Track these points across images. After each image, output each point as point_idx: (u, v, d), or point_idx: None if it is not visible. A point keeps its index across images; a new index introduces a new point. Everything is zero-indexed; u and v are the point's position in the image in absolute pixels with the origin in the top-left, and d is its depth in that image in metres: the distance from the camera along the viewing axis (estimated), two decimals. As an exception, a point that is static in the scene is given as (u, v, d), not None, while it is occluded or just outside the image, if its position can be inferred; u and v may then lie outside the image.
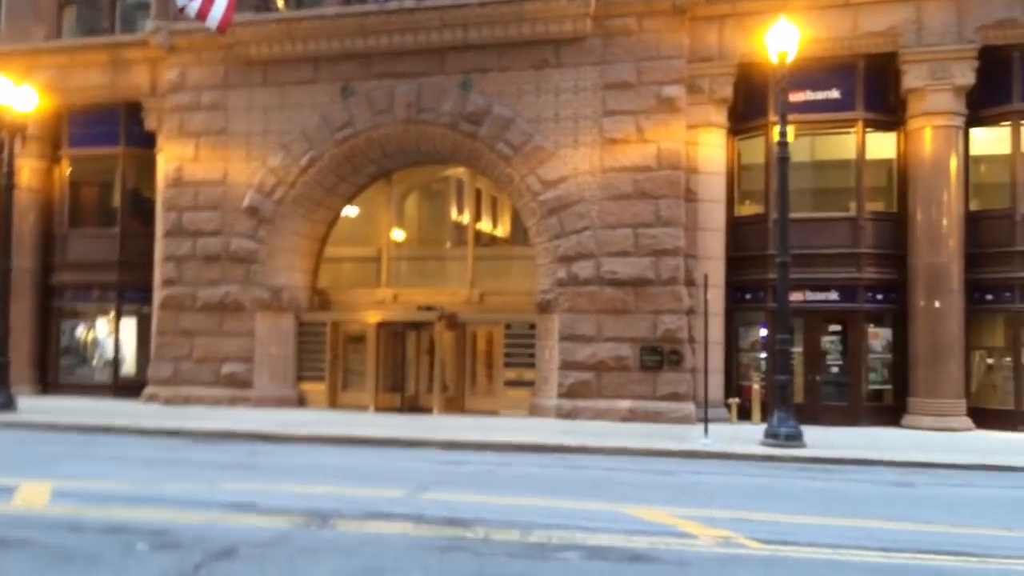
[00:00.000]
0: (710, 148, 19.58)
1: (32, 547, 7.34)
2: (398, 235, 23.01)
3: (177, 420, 17.85)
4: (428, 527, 8.36)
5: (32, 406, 20.23)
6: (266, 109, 21.45)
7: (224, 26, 19.28)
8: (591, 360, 18.96)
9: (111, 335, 23.81)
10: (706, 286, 17.06)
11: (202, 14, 18.85)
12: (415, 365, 21.64)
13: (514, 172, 19.80)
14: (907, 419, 18.39)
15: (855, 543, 7.97)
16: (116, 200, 24.04)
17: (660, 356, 18.63)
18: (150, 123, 22.83)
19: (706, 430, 15.83)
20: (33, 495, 9.79)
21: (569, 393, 19.05)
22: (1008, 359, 18.48)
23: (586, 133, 19.39)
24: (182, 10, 19.16)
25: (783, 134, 15.64)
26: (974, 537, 8.45)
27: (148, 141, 23.05)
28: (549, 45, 19.72)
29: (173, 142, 22.01)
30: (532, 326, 20.30)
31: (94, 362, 24.15)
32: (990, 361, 19.07)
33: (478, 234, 22.37)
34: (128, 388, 23.00)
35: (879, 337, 19.39)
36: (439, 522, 8.58)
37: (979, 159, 19.09)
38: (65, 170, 24.28)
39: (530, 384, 20.32)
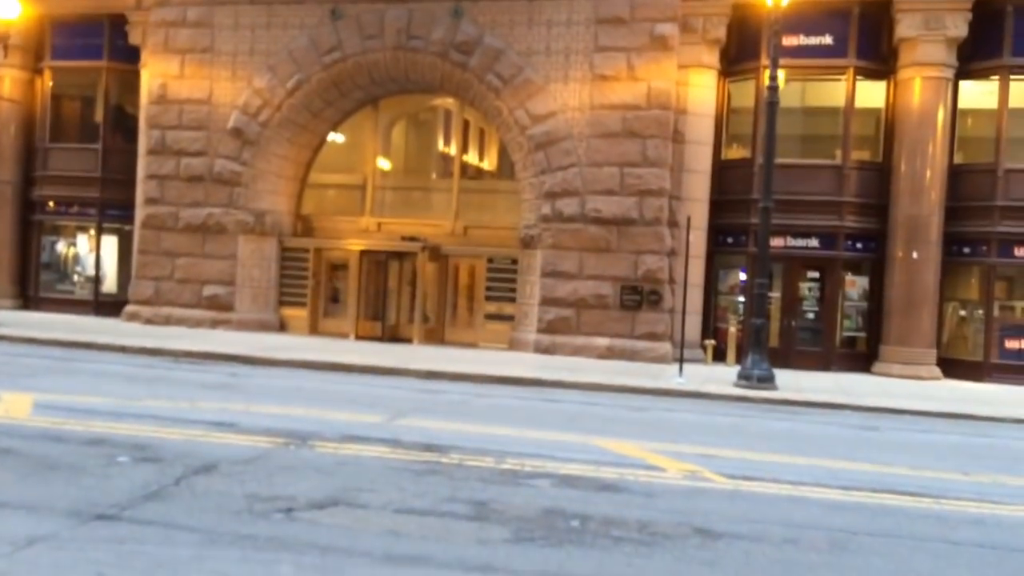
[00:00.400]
0: (700, 89, 19.50)
1: (15, 455, 7.49)
2: (384, 164, 22.89)
3: (158, 339, 17.94)
4: (404, 451, 8.57)
5: (13, 319, 20.25)
6: (253, 28, 21.10)
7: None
8: (572, 297, 19.14)
9: (92, 252, 23.72)
10: (689, 228, 17.17)
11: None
12: (396, 295, 21.74)
13: (503, 105, 19.68)
14: (878, 366, 18.77)
15: (817, 481, 8.25)
16: (99, 115, 23.72)
17: (640, 296, 18.82)
18: (135, 37, 22.42)
19: (680, 370, 16.11)
20: (15, 405, 9.91)
21: (548, 329, 19.27)
22: (980, 311, 18.83)
23: (577, 68, 19.24)
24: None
25: (773, 78, 15.61)
26: (932, 480, 8.76)
27: (132, 56, 22.66)
28: (544, -24, 19.43)
29: (158, 58, 21.65)
30: (514, 261, 20.41)
31: (75, 278, 24.10)
32: (963, 313, 19.42)
33: (464, 166, 22.29)
34: (109, 305, 23.03)
35: (855, 285, 19.67)
36: (415, 447, 8.79)
37: (966, 112, 19.14)
38: (47, 82, 23.87)
39: (510, 318, 20.51)
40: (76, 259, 24.13)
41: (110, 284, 23.86)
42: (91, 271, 23.71)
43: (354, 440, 9.00)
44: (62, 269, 24.31)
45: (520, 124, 19.55)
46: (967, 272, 19.27)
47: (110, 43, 23.10)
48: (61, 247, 24.29)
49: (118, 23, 22.69)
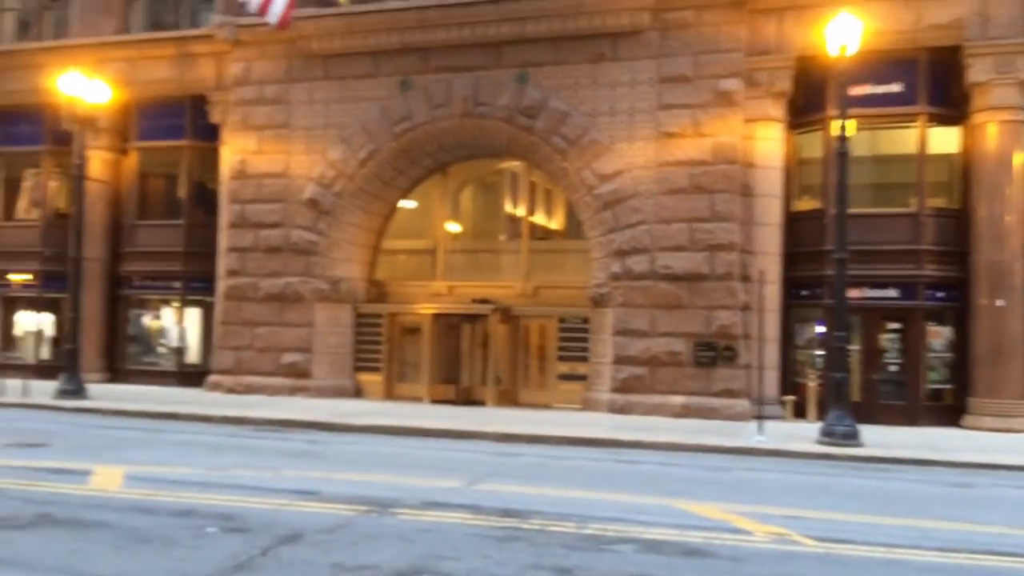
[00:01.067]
0: (767, 142, 19.43)
1: (109, 528, 7.71)
2: (453, 228, 23.27)
3: (240, 408, 18.35)
4: (484, 517, 8.56)
5: (101, 392, 20.95)
6: (327, 102, 21.84)
7: (284, 22, 19.69)
8: (644, 355, 19.00)
9: (176, 324, 24.48)
10: (762, 282, 16.98)
11: (263, 9, 19.25)
12: (469, 357, 21.89)
13: (569, 166, 19.90)
14: (967, 419, 18.11)
15: (911, 542, 7.97)
16: (182, 192, 24.69)
17: (714, 352, 18.60)
18: (215, 116, 23.39)
19: (760, 427, 15.78)
20: (107, 478, 10.22)
21: (622, 388, 19.13)
22: (1073, 359, 18.06)
23: (641, 127, 19.39)
24: (243, 5, 19.56)
25: (843, 128, 15.48)
26: (1033, 540, 8.38)
27: (212, 134, 23.62)
28: (606, 38, 19.74)
29: (237, 135, 22.53)
30: (585, 320, 20.40)
31: (160, 350, 24.87)
32: (1054, 361, 18.63)
33: (532, 227, 22.51)
34: (192, 376, 23.65)
35: (939, 335, 19.09)
36: (495, 512, 8.77)
37: (1045, 155, 18.64)
38: (133, 162, 24.99)
39: (583, 378, 20.43)
40: (161, 331, 24.93)
41: (193, 355, 24.54)
42: (175, 342, 24.44)
43: (434, 506, 9.03)
44: (147, 341, 25.12)
45: (587, 184, 19.71)
46: (1057, 318, 18.55)
47: (192, 123, 24.14)
48: (146, 320, 25.13)
49: (199, 103, 23.72)
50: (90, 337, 23.56)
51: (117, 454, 12.44)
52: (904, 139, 19.34)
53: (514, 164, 22.48)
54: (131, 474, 10.52)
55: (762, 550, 7.58)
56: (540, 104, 20.00)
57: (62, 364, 20.50)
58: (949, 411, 18.66)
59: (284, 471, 11.27)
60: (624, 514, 8.91)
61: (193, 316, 24.56)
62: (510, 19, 20.16)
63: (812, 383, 19.08)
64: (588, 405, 19.82)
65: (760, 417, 16.08)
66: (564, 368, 20.99)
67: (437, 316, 21.81)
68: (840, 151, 15.59)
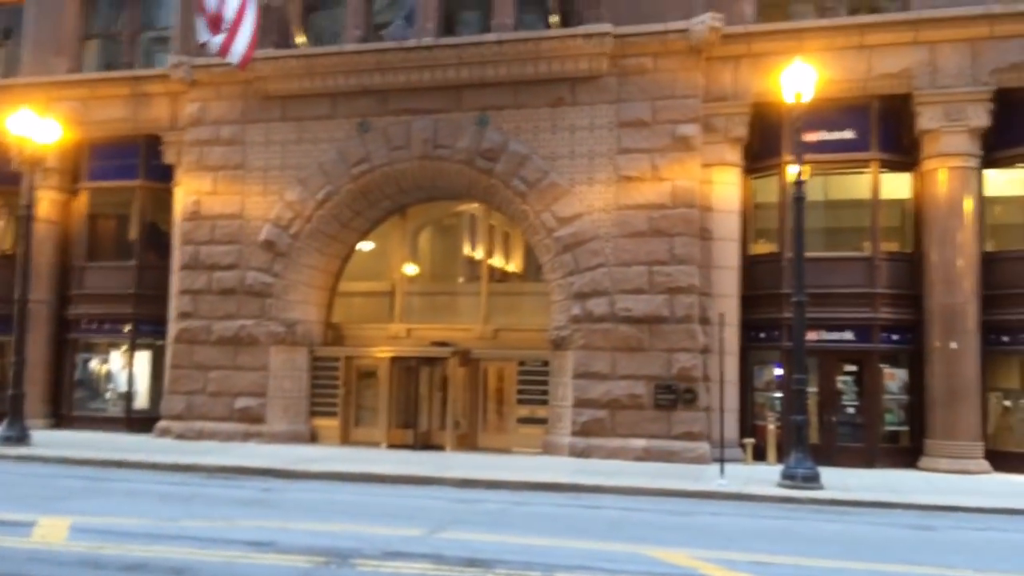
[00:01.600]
0: (725, 187, 19.64)
1: (53, 584, 7.32)
2: (411, 270, 23.08)
3: (191, 455, 17.82)
4: (448, 567, 8.31)
5: (46, 439, 20.23)
6: (284, 144, 21.64)
7: (245, 62, 19.52)
8: (605, 398, 18.90)
9: (125, 368, 23.83)
10: (722, 324, 17.04)
11: (224, 49, 19.08)
12: (428, 401, 21.58)
13: (529, 208, 19.90)
14: (924, 461, 18.24)
15: (880, 589, 7.89)
16: (133, 233, 24.20)
17: (675, 395, 18.56)
18: (169, 157, 23.06)
19: (722, 470, 15.72)
20: (52, 531, 9.77)
21: (583, 431, 18.97)
22: (1025, 401, 18.37)
23: (601, 170, 19.49)
24: (203, 45, 19.38)
25: (799, 173, 15.70)
26: (1000, 584, 8.35)
27: (166, 175, 23.26)
28: (565, 83, 19.89)
29: (191, 176, 22.20)
30: (546, 363, 20.26)
31: (107, 395, 24.16)
32: (1007, 403, 18.92)
33: (491, 270, 22.41)
34: (141, 422, 22.98)
35: (895, 378, 19.30)
36: (459, 562, 8.53)
37: (994, 200, 19.09)
38: (84, 202, 24.46)
39: (543, 422, 20.24)
40: (109, 376, 24.24)
41: (142, 400, 23.87)
42: (123, 387, 23.76)
43: (396, 556, 8.75)
44: (95, 387, 24.40)
45: (547, 227, 19.71)
46: (1008, 361, 18.88)
47: (145, 163, 23.74)
48: (94, 364, 24.45)
49: (152, 144, 23.37)
50: (35, 382, 22.82)
51: (62, 504, 11.94)
52: (857, 184, 19.70)
53: (473, 206, 22.44)
54: (77, 526, 10.08)
55: (733, 599, 7.44)
56: (500, 147, 20.04)
57: (5, 410, 19.78)
58: (906, 453, 18.80)
59: (238, 521, 10.89)
60: (590, 562, 8.73)
61: (143, 360, 23.94)
62: (469, 63, 20.24)
63: (771, 425, 19.11)
64: (548, 449, 19.61)
65: (721, 460, 16.04)
66: (524, 412, 20.79)
67: (395, 359, 21.51)
68: (797, 196, 15.79)
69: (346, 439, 21.54)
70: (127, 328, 23.66)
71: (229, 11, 18.73)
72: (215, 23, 18.69)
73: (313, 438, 21.63)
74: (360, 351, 22.00)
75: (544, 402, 20.27)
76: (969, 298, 18.22)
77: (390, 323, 22.42)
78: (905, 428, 19.15)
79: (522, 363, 20.79)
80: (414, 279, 23.08)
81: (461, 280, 23.22)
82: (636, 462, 18.14)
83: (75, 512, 11.13)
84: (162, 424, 21.74)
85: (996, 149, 18.50)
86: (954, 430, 17.92)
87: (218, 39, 18.78)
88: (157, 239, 23.88)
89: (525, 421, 20.72)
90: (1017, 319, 18.21)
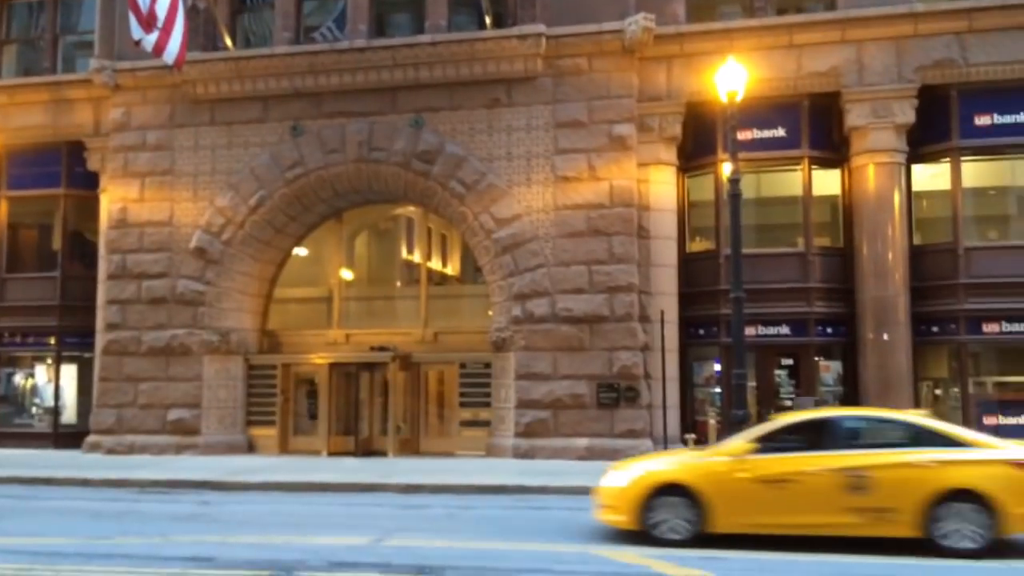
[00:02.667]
0: (661, 186, 19.78)
1: (-21, 611, 6.95)
2: (349, 275, 22.74)
3: (123, 470, 17.23)
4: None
5: (-33, 458, 19.37)
6: (214, 148, 21.12)
7: (180, 61, 18.96)
8: (548, 398, 18.85)
9: (50, 382, 22.96)
10: (662, 322, 17.14)
11: (158, 48, 18.50)
12: (369, 407, 21.27)
13: (467, 210, 19.76)
14: (860, 451, 18.56)
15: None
16: (56, 242, 23.34)
17: (616, 393, 18.60)
18: (93, 163, 22.32)
19: (666, 467, 15.75)
20: (-24, 554, 9.29)
21: (526, 432, 18.89)
22: (955, 389, 18.85)
23: (539, 171, 19.46)
24: (138, 43, 18.70)
25: (735, 171, 15.87)
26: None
27: (91, 182, 22.51)
28: (501, 84, 19.81)
29: (117, 183, 21.52)
30: (487, 365, 20.14)
31: (33, 411, 23.24)
32: (938, 392, 19.43)
33: (430, 273, 22.20)
34: (69, 437, 22.15)
35: (830, 370, 19.65)
36: (408, 570, 8.36)
37: (921, 195, 19.57)
38: (3, 212, 23.48)
39: (486, 424, 20.11)
40: (34, 390, 23.33)
41: (70, 415, 23.02)
42: (50, 402, 22.90)
43: (342, 567, 8.54)
44: (19, 402, 23.45)
45: (486, 228, 19.60)
46: (938, 351, 19.37)
47: (68, 170, 22.93)
48: (18, 379, 23.50)
49: (76, 150, 22.60)
50: (-45, 399, 21.87)
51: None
52: (789, 181, 20.01)
53: (410, 209, 22.21)
54: (4, 547, 9.61)
55: (686, 595, 7.42)
56: (436, 149, 19.86)
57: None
58: (843, 444, 19.10)
59: (174, 536, 10.52)
60: (541, 564, 8.64)
61: (69, 374, 23.11)
62: (403, 64, 20.02)
63: (712, 420, 19.30)
64: (492, 451, 19.49)
65: (665, 457, 16.07)
66: (466, 415, 20.63)
67: (334, 365, 21.16)
68: (733, 193, 15.93)
69: (285, 448, 21.10)
70: (52, 341, 22.82)
71: (160, 9, 18.16)
72: (148, 22, 18.11)
73: (251, 448, 21.14)
74: (298, 358, 21.59)
75: (487, 404, 20.15)
76: (899, 290, 18.65)
77: (328, 329, 22.05)
78: (841, 419, 19.45)
79: (463, 366, 20.63)
80: (352, 284, 22.74)
81: (399, 284, 22.96)
82: (580, 461, 18.12)
83: (2, 533, 10.62)
84: (91, 439, 21.01)
85: (922, 144, 18.95)
86: (888, 420, 18.28)
87: (151, 37, 18.19)
88: (82, 248, 23.10)
89: (468, 424, 20.56)
90: (945, 310, 18.68)
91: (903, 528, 9.35)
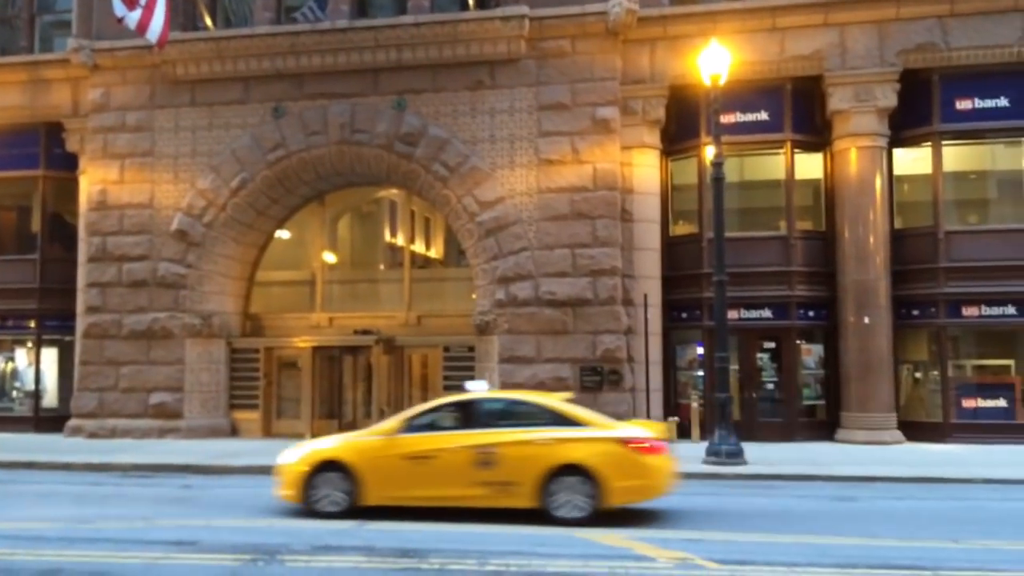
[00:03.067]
0: (644, 169, 19.78)
1: (-40, 596, 6.91)
2: (331, 258, 22.64)
3: (104, 454, 17.15)
4: (381, 559, 8.15)
5: (-54, 442, 19.22)
6: (194, 130, 20.92)
7: (164, 40, 18.75)
8: (531, 381, 18.87)
9: (31, 365, 22.79)
10: (646, 305, 17.20)
11: (142, 27, 18.27)
12: (352, 390, 21.25)
13: (451, 193, 19.70)
14: (840, 433, 18.76)
15: (809, 560, 8.03)
16: (35, 225, 23.08)
17: (600, 376, 18.66)
18: (72, 145, 22.07)
19: (648, 449, 15.84)
20: (-44, 539, 9.23)
21: (509, 415, 18.91)
22: (935, 372, 19.03)
23: (522, 154, 19.41)
24: (120, 20, 18.42)
25: (718, 155, 15.89)
26: (923, 550, 8.59)
27: (70, 163, 22.27)
28: (484, 66, 19.71)
29: (96, 164, 21.29)
30: (471, 348, 20.14)
31: (14, 394, 23.07)
32: (918, 375, 19.60)
33: (413, 256, 22.15)
34: (50, 421, 22.02)
35: (811, 353, 19.78)
36: (391, 553, 8.38)
37: (902, 179, 19.68)
38: (-20, 194, 23.26)
39: (469, 407, 20.10)
40: (15, 374, 23.14)
41: (51, 399, 22.88)
42: (30, 386, 22.73)
43: (326, 550, 8.55)
44: (0, 385, 23.30)
45: (469, 211, 19.55)
46: (918, 334, 19.53)
47: (46, 152, 22.66)
48: (-2, 362, 23.34)
49: (54, 131, 22.33)
50: (-67, 383, 21.67)
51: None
52: (772, 165, 20.06)
53: (393, 192, 22.13)
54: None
55: (668, 577, 7.47)
56: (419, 131, 19.76)
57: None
58: (823, 426, 19.31)
59: (158, 520, 10.50)
60: (525, 547, 8.67)
61: (50, 357, 22.94)
62: (386, 46, 19.88)
63: (695, 404, 19.40)
64: (475, 435, 19.48)
65: (648, 440, 16.15)
66: (449, 398, 20.61)
67: (317, 349, 21.11)
68: (716, 176, 15.98)
69: (268, 432, 21.06)
70: (32, 324, 22.62)
71: (143, -13, 17.92)
72: (130, 0, 17.87)
73: (234, 432, 21.08)
74: (281, 341, 21.51)
75: (470, 388, 20.14)
76: (880, 274, 18.77)
77: (311, 312, 21.97)
78: (822, 402, 19.65)
79: (447, 349, 20.62)
80: (334, 267, 22.65)
81: (383, 267, 22.90)
82: (563, 444, 18.15)
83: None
84: (73, 423, 20.87)
85: (903, 128, 19.04)
86: (869, 403, 18.47)
87: (135, 15, 17.96)
88: (62, 231, 22.87)
89: (451, 407, 20.54)
90: (925, 294, 18.84)
91: (524, 499, 10.24)
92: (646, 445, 10.32)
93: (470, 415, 11.03)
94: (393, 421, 11.26)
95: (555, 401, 11.18)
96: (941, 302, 18.68)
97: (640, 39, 19.58)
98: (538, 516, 10.13)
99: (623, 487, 10.13)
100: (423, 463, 10.54)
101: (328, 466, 10.80)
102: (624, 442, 10.29)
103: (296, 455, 11.17)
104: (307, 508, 10.67)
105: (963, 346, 19.37)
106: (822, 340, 19.70)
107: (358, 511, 10.49)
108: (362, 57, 20.03)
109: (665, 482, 10.47)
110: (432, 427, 10.99)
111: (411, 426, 10.91)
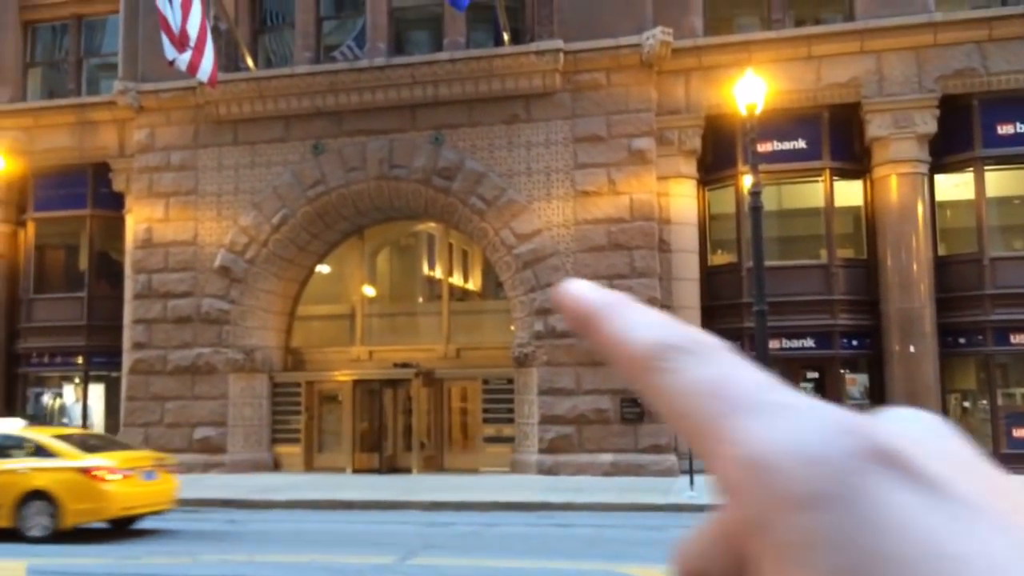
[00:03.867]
0: (681, 199, 19.77)
1: (11, 633, 7.04)
2: (371, 291, 22.85)
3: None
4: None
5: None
6: (237, 168, 21.35)
7: (214, 79, 19.20)
8: (571, 414, 18.83)
9: (79, 401, 23.24)
10: (685, 336, 17.00)
11: (192, 67, 18.73)
12: (392, 424, 21.34)
13: (488, 226, 19.83)
14: (887, 464, 18.39)
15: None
16: (83, 263, 23.66)
17: (640, 408, 18.53)
18: (118, 184, 22.62)
19: (692, 482, 15.71)
20: (9, 573, 9.40)
21: (550, 448, 18.88)
22: (983, 402, 18.65)
23: (559, 186, 19.51)
24: (172, 63, 18.92)
25: (756, 184, 15.84)
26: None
27: (116, 203, 22.81)
28: (519, 100, 19.90)
29: (142, 203, 21.78)
30: (510, 380, 20.15)
31: (61, 430, 23.51)
32: (966, 404, 19.23)
33: (452, 288, 22.29)
34: (96, 455, 22.35)
35: (856, 383, 19.51)
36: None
37: (945, 205, 19.46)
38: (31, 234, 23.88)
39: (510, 440, 20.10)
40: (63, 410, 23.60)
41: (97, 433, 23.27)
42: (78, 421, 23.15)
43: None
44: (48, 421, 23.67)
45: (506, 244, 19.65)
46: (965, 363, 19.19)
47: (94, 191, 23.27)
48: (47, 398, 23.80)
49: (101, 171, 22.92)
50: (-16, 419, 22.10)
51: (16, 547, 11.50)
52: (811, 193, 19.95)
53: (431, 226, 22.32)
54: (34, 567, 9.70)
55: (714, 614, 7.37)
56: (456, 165, 19.96)
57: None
58: (869, 457, 18.93)
59: (202, 556, 10.58)
60: (568, 583, 8.61)
61: (97, 393, 23.38)
62: (422, 82, 20.18)
63: (737, 435, 19.15)
64: (516, 467, 19.46)
65: (690, 472, 16.02)
66: (490, 430, 20.63)
67: (357, 382, 21.25)
68: (754, 205, 15.92)
69: (310, 466, 21.19)
70: (79, 360, 23.08)
71: (192, 29, 18.36)
72: (180, 42, 18.32)
73: (276, 466, 21.24)
74: (321, 375, 21.70)
75: (510, 420, 20.14)
76: (925, 302, 18.49)
77: (351, 346, 22.15)
78: (868, 432, 19.28)
79: (486, 381, 20.64)
80: (374, 301, 22.85)
81: (421, 300, 23.05)
82: (604, 477, 18.07)
83: (31, 554, 10.72)
84: (119, 458, 21.15)
85: (944, 154, 18.84)
86: (916, 432, 18.10)
87: (185, 56, 18.39)
88: (108, 268, 23.38)
89: (491, 440, 20.56)
90: (971, 321, 18.52)
91: (4, 520, 11.95)
92: (105, 474, 11.77)
93: None
94: None
95: (44, 436, 12.89)
96: (988, 329, 18.34)
97: (675, 70, 19.64)
98: (13, 534, 11.77)
99: (77, 509, 11.77)
100: None
101: None
102: (85, 471, 11.83)
103: None
104: None
105: (1012, 374, 19.01)
106: (867, 369, 19.43)
107: None
108: (399, 94, 20.33)
109: (121, 504, 11.94)
110: None
111: None
